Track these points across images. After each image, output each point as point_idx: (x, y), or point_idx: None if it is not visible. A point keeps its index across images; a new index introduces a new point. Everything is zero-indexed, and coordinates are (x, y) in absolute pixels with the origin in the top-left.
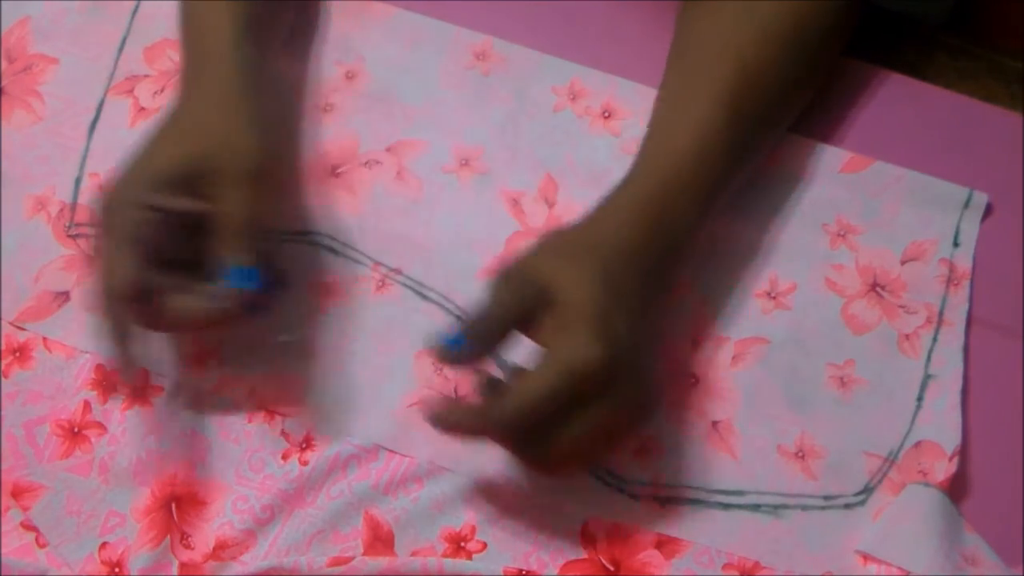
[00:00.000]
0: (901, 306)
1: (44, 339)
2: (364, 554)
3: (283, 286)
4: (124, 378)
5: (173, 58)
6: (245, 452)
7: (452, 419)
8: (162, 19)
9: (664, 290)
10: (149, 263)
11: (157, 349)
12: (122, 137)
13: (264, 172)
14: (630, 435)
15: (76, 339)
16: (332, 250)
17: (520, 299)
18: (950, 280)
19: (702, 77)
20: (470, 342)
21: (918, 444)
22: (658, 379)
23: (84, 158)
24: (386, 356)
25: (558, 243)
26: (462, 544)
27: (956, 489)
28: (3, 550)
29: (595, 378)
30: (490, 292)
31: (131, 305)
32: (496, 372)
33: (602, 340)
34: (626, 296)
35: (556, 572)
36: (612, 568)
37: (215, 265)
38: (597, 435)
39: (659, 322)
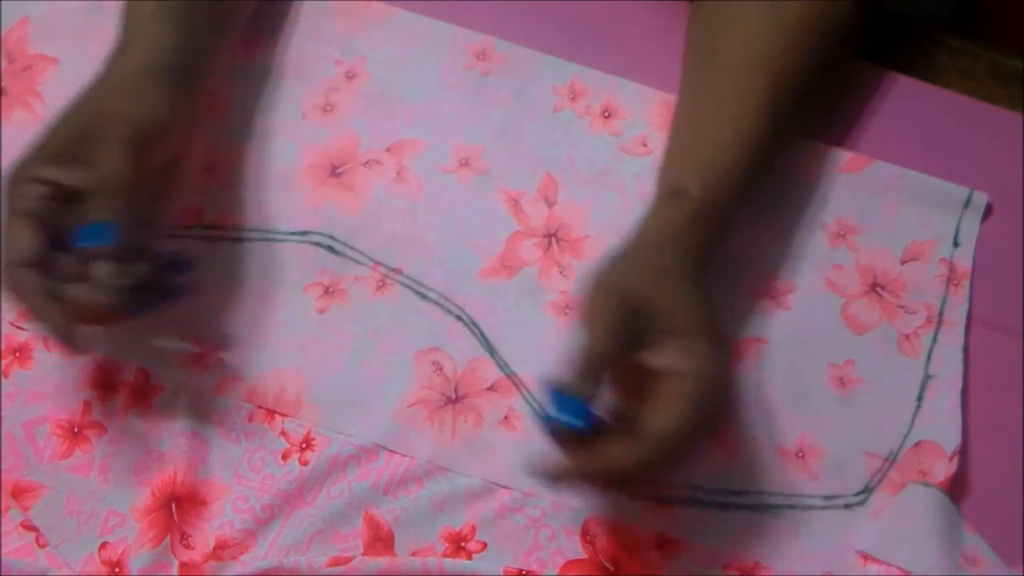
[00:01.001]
0: (901, 306)
1: (44, 339)
2: (364, 554)
3: (184, 276)
4: (62, 343)
5: None
6: (245, 452)
7: (588, 470)
8: None
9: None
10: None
11: (157, 348)
12: None
13: (137, 140)
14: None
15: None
16: (332, 250)
17: (625, 327)
18: (950, 280)
19: (739, 89)
20: (582, 402)
21: (918, 444)
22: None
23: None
24: (386, 356)
25: (643, 263)
26: (462, 544)
27: (956, 489)
28: (3, 550)
29: (725, 392)
30: (589, 325)
31: (35, 282)
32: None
33: (727, 354)
34: (709, 304)
35: (556, 572)
36: (612, 568)
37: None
38: (709, 428)
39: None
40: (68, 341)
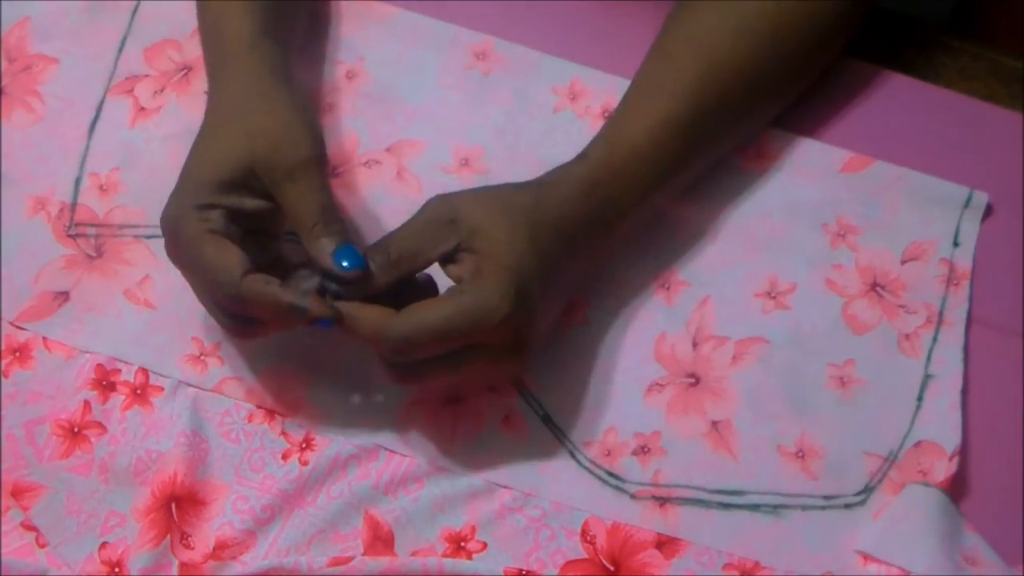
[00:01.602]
0: (901, 306)
1: (44, 339)
2: (364, 554)
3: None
4: (333, 320)
5: (173, 58)
6: (245, 452)
7: (349, 315)
8: (162, 19)
9: (588, 262)
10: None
11: (157, 348)
12: (122, 137)
13: (315, 160)
14: (489, 383)
15: (76, 339)
16: None
17: (446, 232)
18: (950, 280)
19: (669, 68)
20: (367, 267)
21: (918, 444)
22: (543, 340)
23: (84, 158)
24: None
25: (496, 195)
26: (462, 544)
27: (956, 489)
28: (3, 550)
29: (491, 331)
30: (416, 217)
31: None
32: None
33: (512, 300)
34: (549, 265)
35: (556, 572)
36: (612, 568)
37: (291, 265)
38: (466, 374)
39: (569, 290)
40: (325, 310)
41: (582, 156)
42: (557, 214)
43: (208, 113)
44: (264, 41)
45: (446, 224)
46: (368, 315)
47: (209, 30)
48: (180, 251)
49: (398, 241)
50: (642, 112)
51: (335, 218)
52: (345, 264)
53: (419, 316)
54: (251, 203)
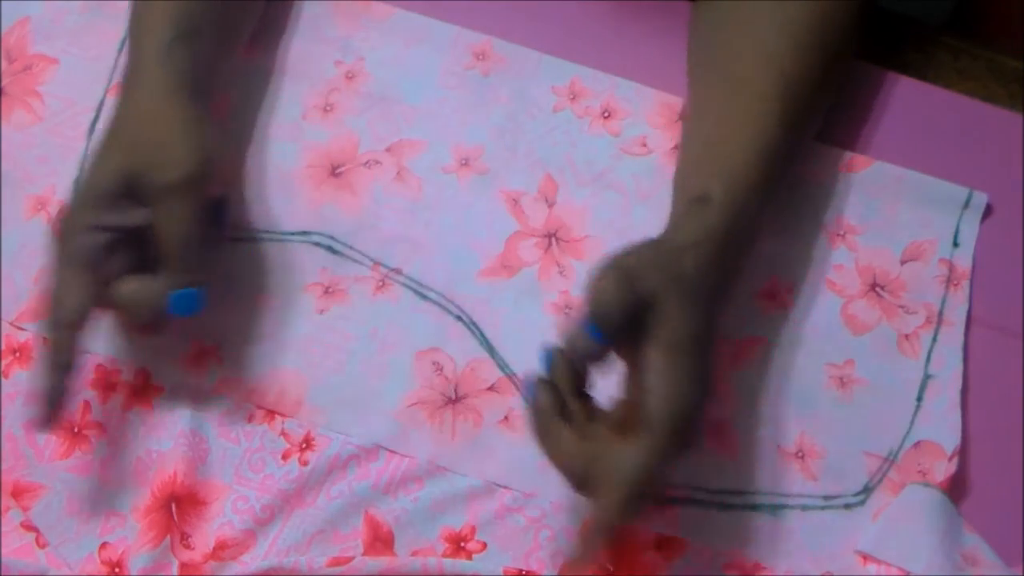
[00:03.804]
0: (901, 306)
1: (44, 339)
2: (364, 554)
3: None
4: (48, 406)
5: None
6: (245, 452)
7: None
8: None
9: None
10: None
11: (157, 348)
12: None
13: (186, 182)
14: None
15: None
16: (332, 250)
17: (630, 300)
18: (950, 280)
19: (753, 93)
20: (600, 333)
21: (918, 444)
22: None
23: (84, 158)
24: (386, 356)
25: (655, 255)
26: (462, 544)
27: (956, 489)
28: (3, 550)
29: (696, 424)
30: (592, 291)
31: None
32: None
33: (705, 385)
34: (709, 328)
35: (556, 572)
36: (612, 568)
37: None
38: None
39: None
40: (46, 421)
41: (704, 200)
42: (704, 276)
43: (111, 121)
44: (178, 50)
45: (632, 300)
46: (598, 510)
47: (131, 33)
48: (52, 260)
49: (595, 308)
50: (743, 144)
51: (187, 255)
52: (177, 311)
53: (639, 466)
54: (138, 217)
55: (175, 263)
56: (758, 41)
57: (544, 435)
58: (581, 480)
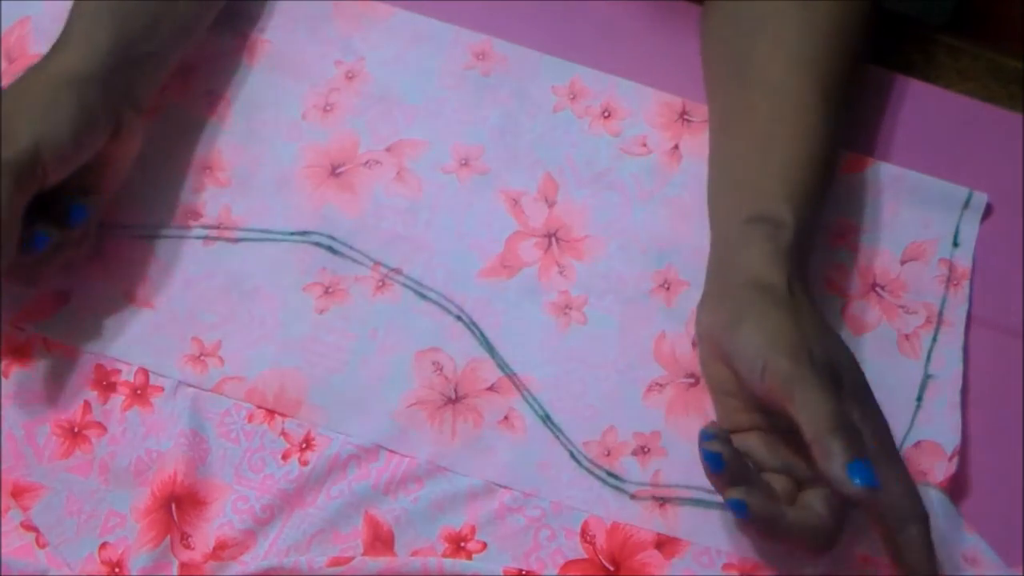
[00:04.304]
0: (901, 306)
1: (44, 339)
2: (364, 554)
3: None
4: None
5: None
6: (245, 452)
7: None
8: None
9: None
10: None
11: (157, 348)
12: None
13: (23, 167)
14: None
15: (76, 339)
16: (332, 250)
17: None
18: (950, 280)
19: (797, 103)
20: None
21: (918, 444)
22: None
23: None
24: (386, 356)
25: (771, 321)
26: (462, 544)
27: (956, 489)
28: (3, 550)
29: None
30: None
31: None
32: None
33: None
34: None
35: (556, 572)
36: (612, 568)
37: None
38: None
39: None
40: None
41: (776, 223)
42: (796, 301)
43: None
44: (98, 32)
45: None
46: (805, 517)
47: (71, 11)
48: None
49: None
50: (799, 159)
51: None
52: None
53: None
54: None
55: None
56: (788, 44)
57: (781, 525)
58: (834, 532)
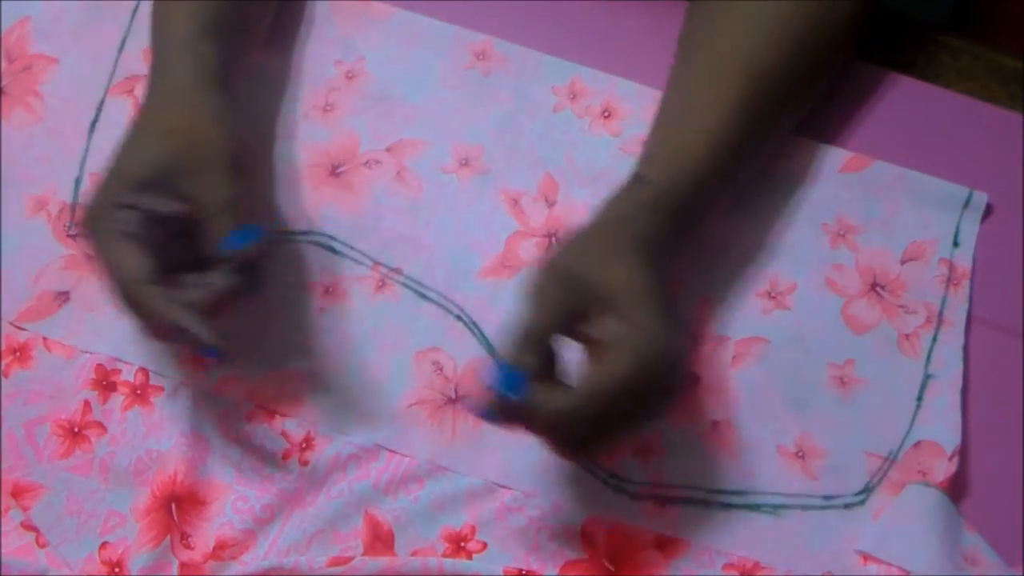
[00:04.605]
0: (901, 306)
1: (44, 339)
2: (364, 554)
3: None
4: (219, 352)
5: None
6: (245, 452)
7: (532, 402)
8: None
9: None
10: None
11: (157, 348)
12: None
13: (223, 159)
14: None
15: (76, 339)
16: (332, 250)
17: (565, 304)
18: (950, 280)
19: (713, 82)
20: (522, 373)
21: (918, 444)
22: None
23: (84, 158)
24: (386, 356)
25: (589, 245)
26: (462, 544)
27: (956, 489)
28: (3, 550)
29: (667, 365)
30: (531, 302)
31: (149, 300)
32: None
33: (670, 328)
34: (662, 285)
35: (556, 572)
36: (612, 568)
37: (206, 256)
38: (642, 421)
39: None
40: (210, 339)
41: (643, 180)
42: (647, 242)
43: (141, 111)
44: (203, 43)
45: (564, 292)
46: (553, 398)
47: (155, 29)
48: (92, 241)
49: (528, 326)
50: (694, 126)
51: (235, 207)
52: (240, 244)
53: (602, 379)
54: (167, 206)
55: (224, 214)
56: (729, 32)
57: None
58: (574, 410)
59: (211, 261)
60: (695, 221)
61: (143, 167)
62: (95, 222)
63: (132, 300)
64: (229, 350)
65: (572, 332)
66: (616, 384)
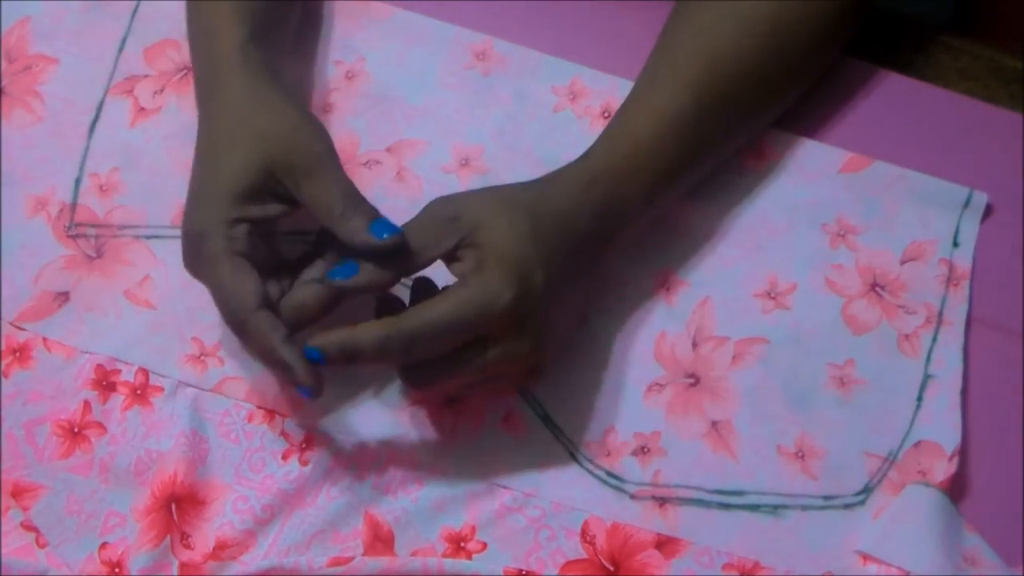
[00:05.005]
0: (901, 306)
1: (44, 339)
2: (364, 554)
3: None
4: (314, 392)
5: (173, 58)
6: (245, 452)
7: (341, 339)
8: (162, 19)
9: (595, 265)
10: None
11: (157, 348)
12: (122, 137)
13: (329, 154)
14: (511, 385)
15: (76, 339)
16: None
17: (448, 229)
18: (950, 280)
19: (671, 68)
20: (370, 268)
21: (918, 444)
22: (559, 342)
23: (84, 158)
24: None
25: (497, 193)
26: (462, 544)
27: (956, 489)
28: (3, 550)
29: (497, 321)
30: (419, 216)
31: (266, 316)
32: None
33: (514, 288)
34: (553, 258)
35: (556, 572)
36: (612, 568)
37: (323, 257)
38: (479, 371)
39: (582, 293)
40: (306, 379)
41: (584, 154)
42: (557, 207)
43: (208, 124)
44: (255, 47)
45: (448, 222)
46: (368, 329)
47: (200, 37)
48: (201, 267)
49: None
50: (643, 108)
51: (361, 199)
52: (385, 235)
53: (422, 312)
54: (275, 209)
55: (353, 204)
56: (695, 26)
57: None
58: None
59: (294, 264)
60: (630, 204)
61: (249, 175)
62: (204, 240)
63: (245, 329)
64: (321, 390)
65: (446, 263)
66: (440, 320)
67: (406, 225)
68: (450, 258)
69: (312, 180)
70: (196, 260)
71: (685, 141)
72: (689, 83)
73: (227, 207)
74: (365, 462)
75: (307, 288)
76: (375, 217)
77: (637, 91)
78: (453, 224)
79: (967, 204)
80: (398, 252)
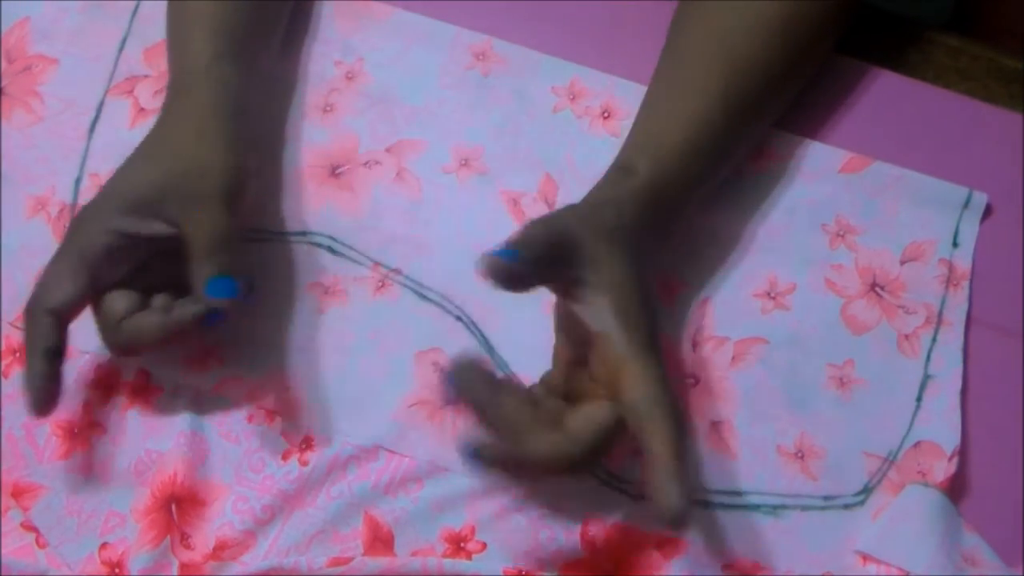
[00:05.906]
0: (900, 306)
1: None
2: (364, 554)
3: (247, 295)
4: (31, 399)
5: None
6: (245, 452)
7: (521, 454)
8: (162, 19)
9: (653, 278)
10: (119, 286)
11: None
12: (122, 137)
13: (221, 193)
14: None
15: (76, 339)
16: (332, 250)
17: (553, 247)
18: (949, 280)
19: (694, 71)
20: (523, 258)
21: (917, 444)
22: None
23: (84, 158)
24: (386, 356)
25: (575, 212)
26: (462, 544)
27: (956, 489)
28: (3, 550)
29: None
30: (525, 233)
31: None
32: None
33: (653, 345)
34: (647, 286)
35: (556, 572)
36: (612, 568)
37: (190, 283)
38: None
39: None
40: (44, 394)
41: (628, 170)
42: (630, 229)
43: (153, 129)
44: (224, 65)
45: (562, 249)
46: (543, 445)
47: (174, 44)
48: (60, 246)
49: (518, 237)
50: (678, 117)
51: (222, 251)
52: (212, 296)
53: (588, 427)
54: (158, 228)
55: (207, 255)
56: (711, 27)
57: (518, 435)
58: (573, 456)
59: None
60: (677, 214)
61: (135, 189)
62: (69, 234)
63: (26, 319)
64: (48, 412)
65: (548, 278)
66: (610, 427)
67: (521, 238)
68: (557, 281)
69: (192, 213)
70: (64, 239)
71: (717, 144)
72: (719, 89)
73: (110, 210)
74: (365, 462)
75: (149, 316)
76: (221, 273)
77: (659, 97)
78: (559, 240)
79: (967, 204)
80: (211, 321)
